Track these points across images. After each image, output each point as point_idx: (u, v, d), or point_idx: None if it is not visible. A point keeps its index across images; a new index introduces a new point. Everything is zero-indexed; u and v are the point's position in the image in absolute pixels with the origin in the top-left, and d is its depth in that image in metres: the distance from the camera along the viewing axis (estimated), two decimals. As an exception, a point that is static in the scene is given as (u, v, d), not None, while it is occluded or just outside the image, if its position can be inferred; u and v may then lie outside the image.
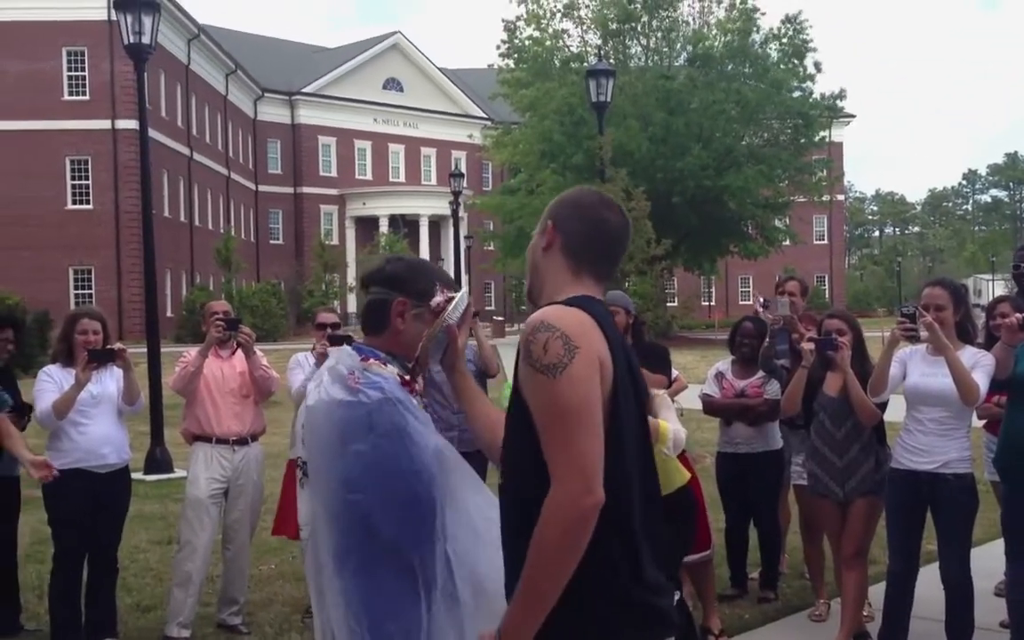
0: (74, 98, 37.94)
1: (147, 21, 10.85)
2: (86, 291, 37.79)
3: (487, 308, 56.20)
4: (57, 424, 5.34)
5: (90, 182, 38.21)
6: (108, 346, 5.46)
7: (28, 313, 25.91)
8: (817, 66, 36.38)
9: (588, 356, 2.08)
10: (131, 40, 10.89)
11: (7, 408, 5.16)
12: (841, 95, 37.06)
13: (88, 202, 38.24)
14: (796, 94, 36.18)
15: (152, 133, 39.52)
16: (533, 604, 2.08)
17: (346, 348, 2.74)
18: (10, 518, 5.80)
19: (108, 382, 5.54)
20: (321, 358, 5.99)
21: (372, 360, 2.67)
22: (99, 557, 5.57)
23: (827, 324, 5.44)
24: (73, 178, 38.21)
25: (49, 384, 5.42)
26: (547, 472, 2.07)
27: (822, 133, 37.42)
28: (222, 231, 45.00)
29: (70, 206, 38.13)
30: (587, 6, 36.81)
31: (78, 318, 5.60)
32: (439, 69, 62.78)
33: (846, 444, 5.29)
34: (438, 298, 2.75)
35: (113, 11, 12.79)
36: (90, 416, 5.41)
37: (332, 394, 2.60)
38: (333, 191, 58.75)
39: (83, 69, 37.85)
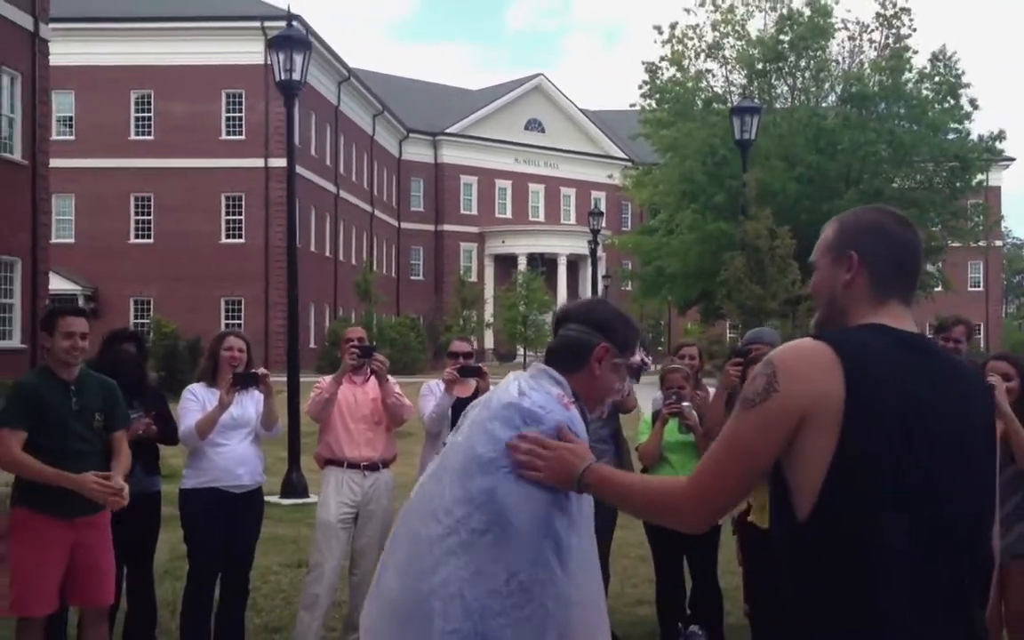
0: (231, 138, 39.67)
1: (298, 59, 11.23)
2: (235, 320, 39.30)
3: (623, 349, 55.73)
4: (199, 443, 5.47)
5: (243, 217, 39.79)
6: (252, 371, 5.57)
7: (181, 340, 27.12)
8: (973, 103, 34.84)
9: (780, 405, 2.01)
10: (283, 77, 11.28)
11: (127, 426, 5.27)
12: (1000, 136, 35.37)
13: (241, 236, 39.83)
14: (952, 136, 34.67)
15: (301, 171, 41.22)
16: (621, 498, 2.40)
17: (551, 370, 2.69)
18: (147, 533, 5.90)
19: (248, 406, 5.64)
20: (450, 385, 5.97)
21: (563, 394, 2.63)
22: (231, 577, 5.66)
23: (991, 366, 5.04)
24: (227, 213, 39.91)
25: (193, 403, 5.57)
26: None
27: (980, 177, 35.76)
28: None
29: (224, 240, 39.81)
30: (732, 46, 36.35)
31: (225, 336, 5.80)
32: (580, 110, 63.12)
33: (1002, 496, 4.88)
34: (637, 358, 2.76)
35: (269, 54, 13.27)
36: (229, 437, 5.52)
37: (520, 401, 2.57)
38: (473, 229, 59.61)
39: (240, 110, 39.56)
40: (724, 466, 2.10)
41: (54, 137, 38.42)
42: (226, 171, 38.99)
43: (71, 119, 39.60)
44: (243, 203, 39.65)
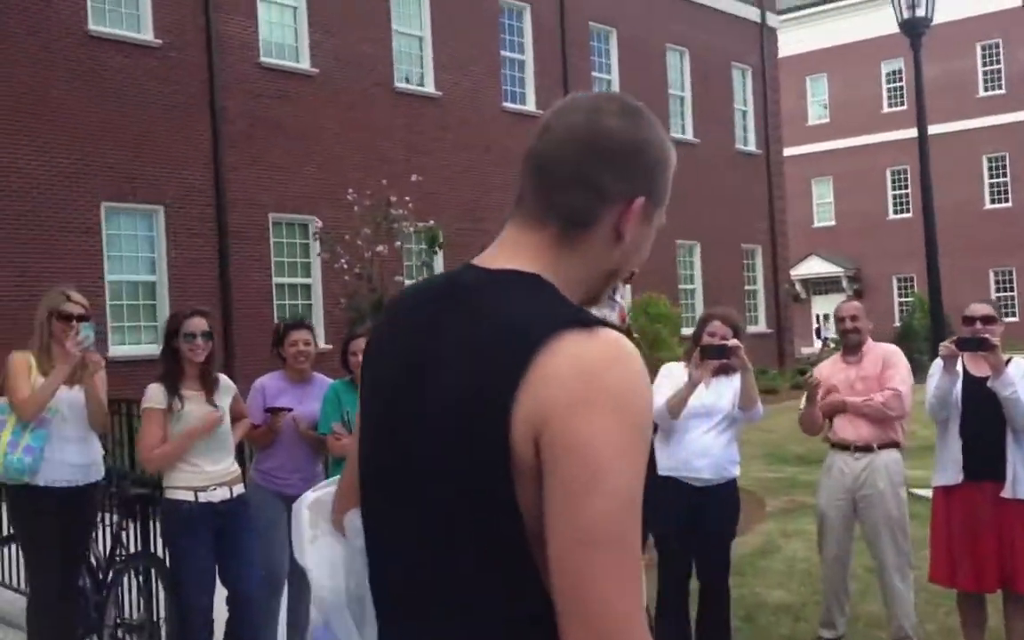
0: (988, 94, 36.59)
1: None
2: (1008, 293, 36.11)
3: None
4: None
5: (1007, 179, 36.45)
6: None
7: (948, 315, 25.50)
8: None
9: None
10: (905, 16, 9.80)
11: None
12: None
13: (1007, 200, 36.52)
14: None
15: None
16: None
17: None
18: None
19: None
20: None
21: None
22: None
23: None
24: (990, 177, 36.93)
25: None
26: None
27: None
28: None
29: (988, 206, 36.86)
30: None
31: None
32: None
33: None
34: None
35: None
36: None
37: None
38: None
39: (998, 61, 36.24)
40: None
41: (811, 122, 39.82)
42: (985, 131, 36.05)
43: (826, 102, 40.28)
44: (1007, 163, 36.27)
